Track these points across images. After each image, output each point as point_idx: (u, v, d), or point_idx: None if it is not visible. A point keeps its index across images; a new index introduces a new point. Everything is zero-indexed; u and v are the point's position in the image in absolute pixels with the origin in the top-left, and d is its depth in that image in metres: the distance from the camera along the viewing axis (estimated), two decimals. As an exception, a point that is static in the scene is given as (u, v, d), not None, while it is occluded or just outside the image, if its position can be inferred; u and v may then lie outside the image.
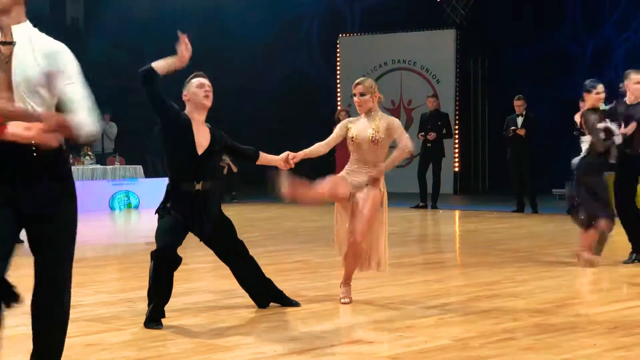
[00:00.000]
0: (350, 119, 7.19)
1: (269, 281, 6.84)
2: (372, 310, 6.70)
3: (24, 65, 3.81)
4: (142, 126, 22.04)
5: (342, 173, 7.06)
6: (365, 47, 20.63)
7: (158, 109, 6.29)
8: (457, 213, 15.76)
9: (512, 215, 14.83)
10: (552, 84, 18.65)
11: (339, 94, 20.95)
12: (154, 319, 6.11)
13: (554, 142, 17.80)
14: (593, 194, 8.80)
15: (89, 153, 17.66)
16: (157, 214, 6.39)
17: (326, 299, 6.94)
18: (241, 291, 7.20)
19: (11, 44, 3.82)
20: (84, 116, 3.82)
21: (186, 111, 6.43)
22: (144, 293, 6.30)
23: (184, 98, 6.46)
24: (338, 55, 21.03)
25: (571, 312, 6.58)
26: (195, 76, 6.47)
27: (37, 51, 3.85)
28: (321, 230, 12.81)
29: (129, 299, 7.12)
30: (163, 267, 6.14)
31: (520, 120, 14.99)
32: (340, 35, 21.11)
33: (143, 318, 6.16)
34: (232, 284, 7.79)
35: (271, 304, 6.77)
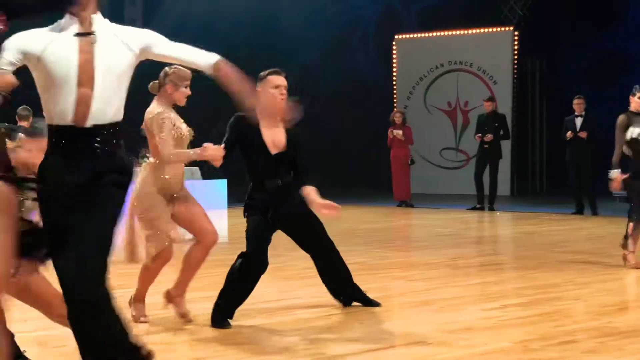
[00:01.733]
0: None
1: (353, 280, 6.78)
2: (431, 312, 6.66)
3: (108, 53, 3.89)
4: (199, 128, 22.23)
5: None
6: (421, 48, 20.54)
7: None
8: (514, 215, 15.61)
9: (571, 217, 14.65)
10: (611, 85, 18.38)
11: (395, 96, 20.89)
12: (225, 317, 6.11)
13: (614, 143, 17.57)
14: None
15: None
16: (245, 214, 6.35)
17: (384, 300, 6.90)
18: (298, 292, 7.23)
19: (91, 34, 3.89)
20: (199, 52, 4.00)
21: (258, 110, 6.02)
22: (202, 294, 6.31)
23: (261, 92, 6.14)
24: (394, 56, 20.96)
25: (634, 315, 6.48)
26: (272, 73, 6.26)
27: (119, 37, 3.95)
28: (378, 231, 12.77)
29: (187, 300, 7.14)
30: (251, 269, 6.14)
31: (579, 120, 14.80)
32: (396, 36, 21.05)
33: (200, 318, 6.19)
34: (289, 284, 7.81)
35: (317, 302, 6.76)
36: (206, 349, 5.51)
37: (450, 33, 20.35)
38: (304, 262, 8.76)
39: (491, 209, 16.10)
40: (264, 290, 7.56)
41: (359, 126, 20.70)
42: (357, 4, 22.31)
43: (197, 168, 17.98)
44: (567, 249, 10.52)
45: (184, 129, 6.28)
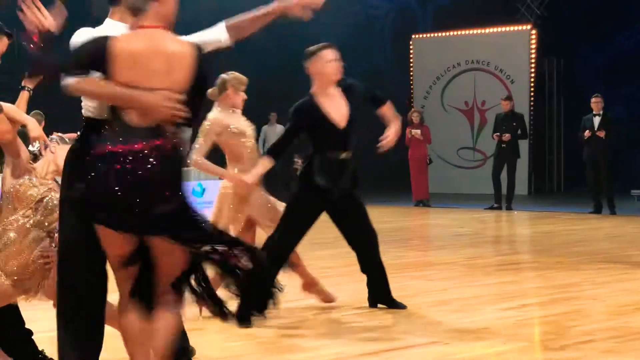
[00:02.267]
0: None
1: (386, 281, 6.79)
2: (448, 311, 6.67)
3: None
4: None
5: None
6: (438, 48, 20.51)
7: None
8: (532, 214, 15.58)
9: (589, 217, 14.60)
10: (629, 84, 18.34)
11: (412, 95, 20.87)
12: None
13: (633, 143, 17.51)
14: None
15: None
16: (296, 188, 6.40)
17: (401, 300, 6.90)
18: (317, 291, 7.23)
19: None
20: (210, 32, 4.28)
21: (313, 89, 6.30)
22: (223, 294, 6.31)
23: (312, 72, 6.30)
24: (411, 56, 20.94)
25: (652, 315, 6.46)
26: (322, 48, 6.32)
27: None
28: (396, 231, 12.78)
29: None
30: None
31: (597, 119, 14.76)
32: (413, 35, 21.02)
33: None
34: (308, 284, 7.81)
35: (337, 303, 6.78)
36: (224, 350, 5.53)
37: (467, 32, 20.31)
38: (322, 262, 8.79)
39: (509, 208, 16.07)
40: (284, 290, 7.58)
41: (376, 126, 20.71)
42: (373, 4, 22.29)
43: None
44: (585, 249, 10.49)
45: (243, 124, 6.51)
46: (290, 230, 6.33)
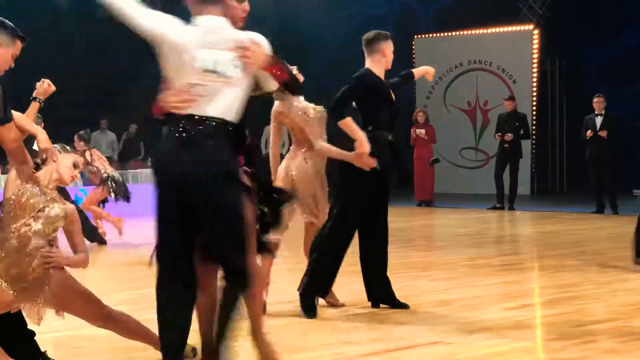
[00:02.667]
0: None
1: (388, 281, 6.82)
2: (451, 311, 6.67)
3: None
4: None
5: None
6: (440, 48, 20.50)
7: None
8: (534, 214, 15.58)
9: (591, 217, 14.60)
10: (631, 83, 18.33)
11: (415, 95, 20.87)
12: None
13: (635, 143, 17.49)
14: None
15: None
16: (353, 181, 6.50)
17: (404, 300, 6.90)
18: (319, 292, 7.23)
19: None
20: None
21: (371, 66, 6.67)
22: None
23: (382, 53, 6.67)
24: (414, 56, 20.94)
25: (655, 315, 6.46)
26: (389, 37, 6.75)
27: None
28: (399, 231, 12.77)
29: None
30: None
31: (599, 119, 14.76)
32: (415, 36, 21.02)
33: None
34: (310, 284, 7.80)
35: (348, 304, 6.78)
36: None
37: (469, 32, 20.31)
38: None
39: (511, 208, 16.07)
40: (284, 289, 7.60)
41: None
42: (374, 4, 22.28)
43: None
44: (587, 249, 10.50)
45: (310, 109, 6.76)
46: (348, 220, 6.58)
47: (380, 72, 6.69)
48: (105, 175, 10.92)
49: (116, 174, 11.09)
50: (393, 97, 6.70)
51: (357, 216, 6.57)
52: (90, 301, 4.57)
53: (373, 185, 6.52)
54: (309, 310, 6.45)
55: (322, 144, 6.67)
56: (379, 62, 6.69)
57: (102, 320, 4.63)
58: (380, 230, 6.73)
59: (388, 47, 6.71)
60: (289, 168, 6.75)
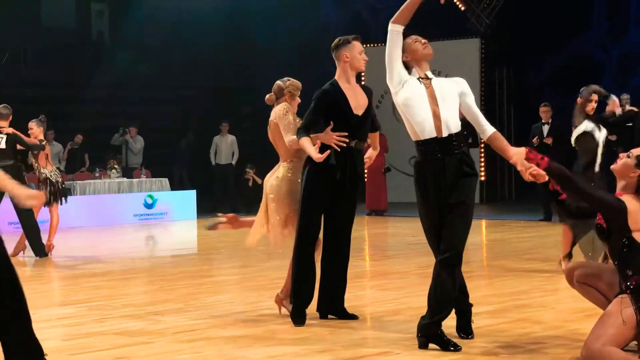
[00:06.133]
0: None
1: (343, 291, 6.79)
2: (401, 321, 6.66)
3: (444, 89, 5.93)
4: (167, 138, 22.14)
5: None
6: (389, 58, 20.54)
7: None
8: (483, 222, 15.68)
9: (539, 224, 14.74)
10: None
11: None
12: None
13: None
14: None
15: (115, 166, 17.64)
16: (306, 170, 6.49)
17: (354, 309, 6.88)
18: (268, 303, 7.20)
19: (430, 78, 6.01)
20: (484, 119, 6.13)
21: (338, 75, 6.65)
22: (171, 306, 6.29)
23: (344, 59, 6.66)
24: (363, 65, 20.98)
25: (601, 322, 6.50)
26: (356, 38, 6.77)
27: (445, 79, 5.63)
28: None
29: (156, 312, 7.11)
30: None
31: (546, 128, 14.91)
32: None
33: (170, 331, 6.17)
34: (259, 295, 7.80)
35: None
36: (221, 356, 5.48)
37: (418, 42, 20.39)
38: (273, 272, 8.76)
39: (461, 216, 16.13)
40: (233, 301, 7.55)
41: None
42: (325, 13, 22.33)
43: (166, 179, 17.89)
44: (535, 256, 10.58)
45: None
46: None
47: (348, 78, 6.68)
48: (44, 175, 10.98)
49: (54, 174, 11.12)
50: (363, 105, 6.68)
51: (315, 210, 6.56)
52: None
53: (326, 182, 6.47)
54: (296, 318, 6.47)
55: (292, 137, 6.63)
56: (343, 69, 6.70)
57: None
58: (340, 241, 6.69)
59: (349, 51, 6.71)
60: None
